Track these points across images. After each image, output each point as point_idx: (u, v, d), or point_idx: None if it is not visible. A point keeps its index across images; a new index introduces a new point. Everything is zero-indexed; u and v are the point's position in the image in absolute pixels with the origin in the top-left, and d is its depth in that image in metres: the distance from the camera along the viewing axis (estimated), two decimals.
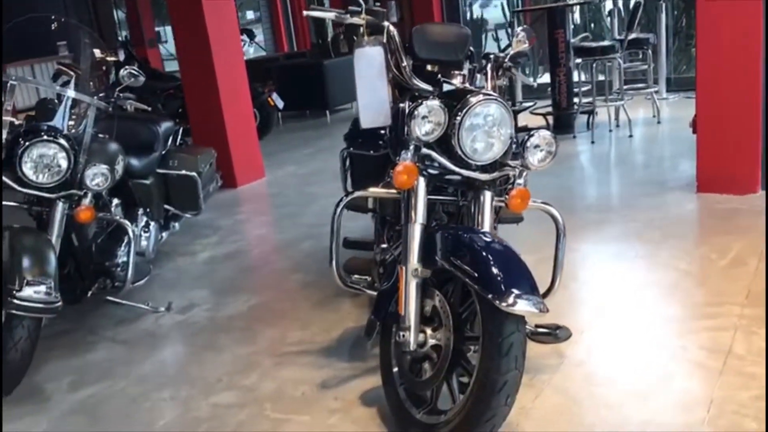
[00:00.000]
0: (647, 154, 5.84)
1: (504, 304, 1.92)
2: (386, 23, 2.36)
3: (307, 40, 13.16)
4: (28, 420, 2.70)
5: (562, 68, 6.71)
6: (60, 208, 3.08)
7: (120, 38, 11.59)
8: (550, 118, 6.90)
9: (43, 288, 2.71)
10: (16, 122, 3.06)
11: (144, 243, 3.84)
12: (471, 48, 3.84)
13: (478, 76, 2.65)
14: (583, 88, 7.10)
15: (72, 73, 3.27)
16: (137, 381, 2.93)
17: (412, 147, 2.20)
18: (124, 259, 3.52)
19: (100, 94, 3.31)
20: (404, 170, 2.16)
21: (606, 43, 6.29)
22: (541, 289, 2.57)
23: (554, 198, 4.68)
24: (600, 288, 3.30)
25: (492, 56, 2.62)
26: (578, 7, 9.04)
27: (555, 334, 2.84)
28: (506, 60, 2.64)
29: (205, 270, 4.23)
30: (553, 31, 6.69)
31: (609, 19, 8.88)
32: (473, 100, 2.21)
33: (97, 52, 3.28)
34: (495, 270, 2.00)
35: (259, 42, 13.95)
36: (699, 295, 3.11)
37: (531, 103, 7.21)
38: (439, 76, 2.45)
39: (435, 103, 2.16)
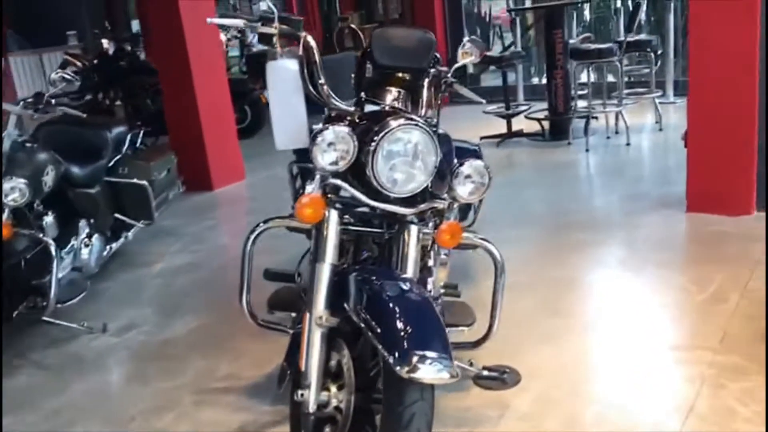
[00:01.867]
0: (642, 165, 5.52)
1: (405, 369, 1.64)
2: (303, 33, 2.08)
3: (319, 33, 12.82)
4: None
5: (560, 71, 6.39)
6: None
7: (132, 30, 11.33)
8: (546, 123, 6.59)
9: None
10: None
11: (85, 257, 3.61)
12: (436, 54, 3.56)
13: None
14: (583, 92, 6.77)
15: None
16: (49, 415, 2.69)
17: (318, 177, 1.92)
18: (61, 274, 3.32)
19: (28, 100, 3.06)
20: (309, 203, 1.88)
21: (603, 45, 5.94)
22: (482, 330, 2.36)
23: (535, 213, 4.43)
24: (562, 326, 2.98)
25: (432, 71, 2.33)
26: (588, 5, 8.71)
27: (502, 378, 2.58)
28: (448, 75, 2.34)
29: (157, 284, 3.99)
30: (551, 32, 6.37)
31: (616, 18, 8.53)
32: (392, 124, 1.92)
33: None
34: (401, 326, 1.72)
35: None
36: (669, 337, 2.81)
37: (526, 107, 6.90)
38: (362, 94, 2.16)
39: (342, 129, 1.88)
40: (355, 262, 2.29)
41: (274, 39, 2.07)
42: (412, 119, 1.97)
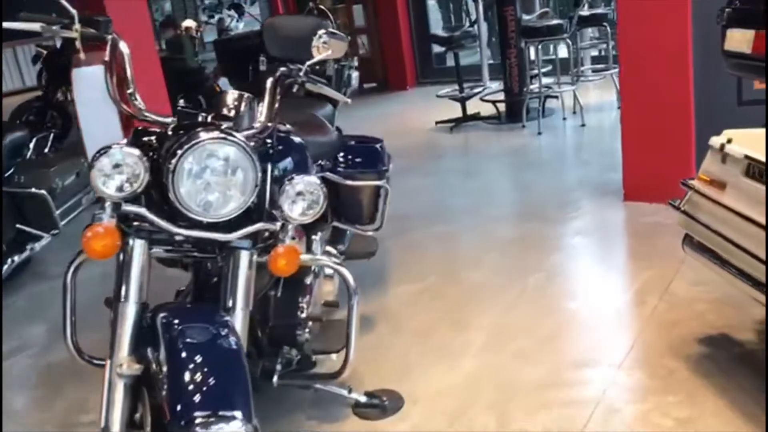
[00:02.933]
0: (592, 148, 5.23)
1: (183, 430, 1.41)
2: (110, 36, 1.82)
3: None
4: None
5: (513, 50, 6.09)
6: None
7: None
8: (501, 106, 6.31)
9: None
10: None
11: None
12: None
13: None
14: (546, 70, 6.46)
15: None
16: None
17: (108, 205, 1.66)
18: None
19: None
20: (99, 235, 1.62)
21: (553, 22, 5.64)
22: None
23: (466, 206, 4.14)
24: (459, 341, 2.73)
25: (281, 70, 2.06)
26: None
27: (383, 405, 2.35)
28: (300, 73, 2.07)
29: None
30: (501, 8, 6.06)
31: None
32: (192, 140, 1.67)
33: None
34: (194, 379, 1.49)
35: (255, 15, 13.19)
36: (573, 349, 2.57)
37: (481, 89, 6.61)
38: (181, 102, 1.90)
39: (127, 149, 1.62)
40: (196, 291, 2.05)
41: (77, 43, 1.82)
42: (224, 132, 1.71)
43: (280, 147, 2.06)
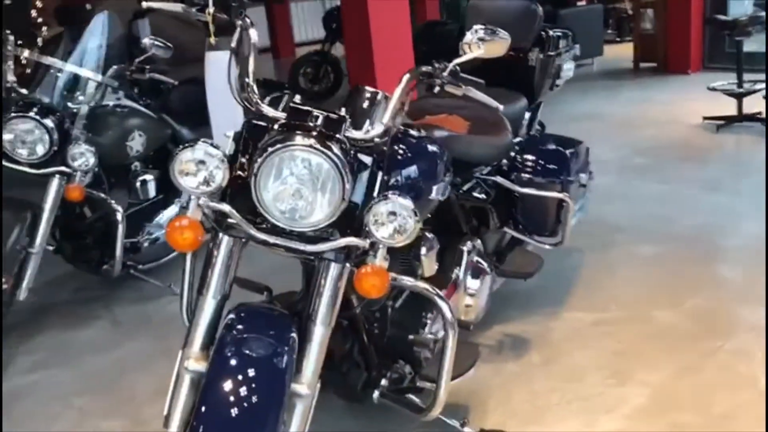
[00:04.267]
0: None
1: None
2: (240, 21, 1.77)
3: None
4: None
5: None
6: (55, 183, 3.01)
7: None
8: None
9: None
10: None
11: None
12: (547, 29, 3.00)
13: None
14: None
15: None
16: (80, 377, 2.79)
17: (193, 199, 1.62)
18: (151, 235, 3.46)
19: (114, 67, 3.12)
20: (182, 228, 1.60)
21: None
22: None
23: (693, 226, 3.97)
24: (621, 395, 2.33)
25: (421, 69, 1.85)
26: None
27: None
28: (444, 73, 1.85)
29: None
30: None
31: None
32: (283, 143, 1.56)
33: None
34: (221, 393, 1.46)
35: None
36: None
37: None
38: (297, 98, 1.78)
39: (210, 150, 1.56)
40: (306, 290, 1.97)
41: (211, 27, 1.80)
42: (319, 138, 1.57)
43: (404, 152, 1.88)
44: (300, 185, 1.57)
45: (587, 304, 2.90)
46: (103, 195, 3.16)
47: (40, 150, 2.92)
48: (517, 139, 2.80)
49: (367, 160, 1.70)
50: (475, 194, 2.54)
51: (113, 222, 3.18)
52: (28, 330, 3.17)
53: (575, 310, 2.87)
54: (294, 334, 1.64)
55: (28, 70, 3.06)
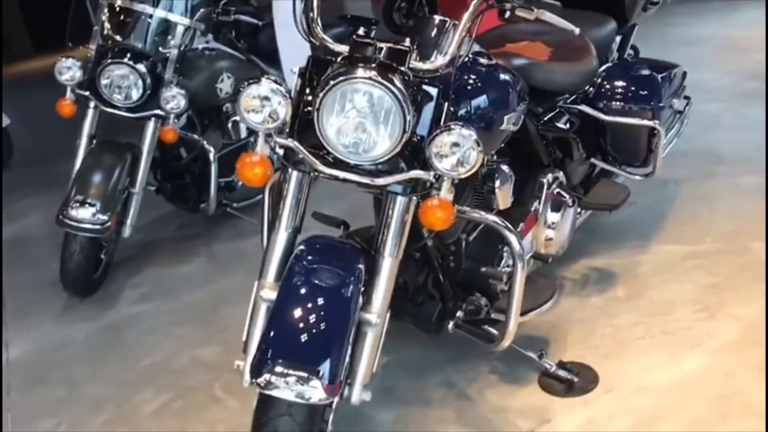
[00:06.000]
0: None
1: (257, 380, 1.43)
2: None
3: None
4: (78, 325, 2.93)
5: None
6: (151, 126, 3.14)
7: None
8: None
9: (89, 210, 2.86)
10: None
11: None
12: None
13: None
14: None
15: None
16: (179, 309, 2.95)
17: (261, 135, 1.66)
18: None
19: (201, 10, 3.18)
20: (253, 163, 1.65)
21: None
22: None
23: None
24: (709, 329, 2.24)
25: None
26: None
27: (571, 382, 2.10)
28: None
29: None
30: None
31: None
32: (343, 76, 1.56)
33: None
34: (286, 321, 1.51)
35: None
36: None
37: None
38: (360, 30, 1.76)
39: (274, 86, 1.58)
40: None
41: None
42: (380, 70, 1.56)
43: (473, 82, 1.83)
44: (362, 118, 1.57)
45: (680, 236, 2.78)
46: (196, 136, 3.28)
47: (135, 94, 3.04)
48: (605, 66, 2.67)
49: (432, 91, 1.68)
50: (558, 124, 2.45)
51: (208, 162, 3.32)
52: (134, 265, 3.37)
53: (666, 242, 2.76)
54: (361, 266, 1.67)
55: (123, 18, 3.18)
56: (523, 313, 2.01)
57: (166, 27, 3.16)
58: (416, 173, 1.64)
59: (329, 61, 1.72)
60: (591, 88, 2.56)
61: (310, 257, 1.64)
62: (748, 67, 5.00)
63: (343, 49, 1.70)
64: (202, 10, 3.20)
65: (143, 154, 3.14)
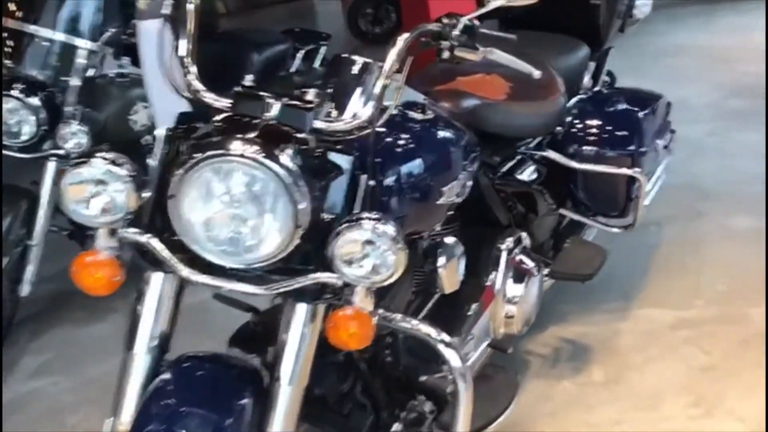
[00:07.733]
0: None
1: None
2: None
3: None
4: None
5: None
6: (50, 167, 2.68)
7: None
8: None
9: None
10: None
11: None
12: None
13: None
14: None
15: None
16: (81, 386, 2.49)
17: (101, 231, 1.22)
18: None
19: (109, 32, 2.73)
20: (84, 268, 1.21)
21: None
22: None
23: None
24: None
25: (423, 27, 1.36)
26: None
27: None
28: (454, 31, 1.35)
29: None
30: None
31: None
32: (208, 151, 1.12)
33: None
34: None
35: None
36: None
37: None
38: (248, 78, 1.32)
39: (104, 166, 1.14)
40: None
41: None
42: (258, 144, 1.12)
43: (405, 143, 1.41)
44: (235, 209, 1.14)
45: (664, 297, 2.38)
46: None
47: (27, 132, 2.59)
48: (576, 98, 2.26)
49: (345, 161, 1.25)
50: (520, 176, 2.04)
51: None
52: (39, 324, 2.89)
53: (649, 305, 2.35)
54: (249, 400, 1.24)
55: (15, 41, 2.72)
56: None
57: (69, 51, 2.72)
58: (321, 276, 1.21)
59: (202, 117, 1.28)
60: (559, 128, 2.14)
61: (173, 395, 1.21)
62: (734, 80, 4.63)
63: (224, 104, 1.27)
64: (110, 31, 2.75)
65: (41, 199, 2.69)
